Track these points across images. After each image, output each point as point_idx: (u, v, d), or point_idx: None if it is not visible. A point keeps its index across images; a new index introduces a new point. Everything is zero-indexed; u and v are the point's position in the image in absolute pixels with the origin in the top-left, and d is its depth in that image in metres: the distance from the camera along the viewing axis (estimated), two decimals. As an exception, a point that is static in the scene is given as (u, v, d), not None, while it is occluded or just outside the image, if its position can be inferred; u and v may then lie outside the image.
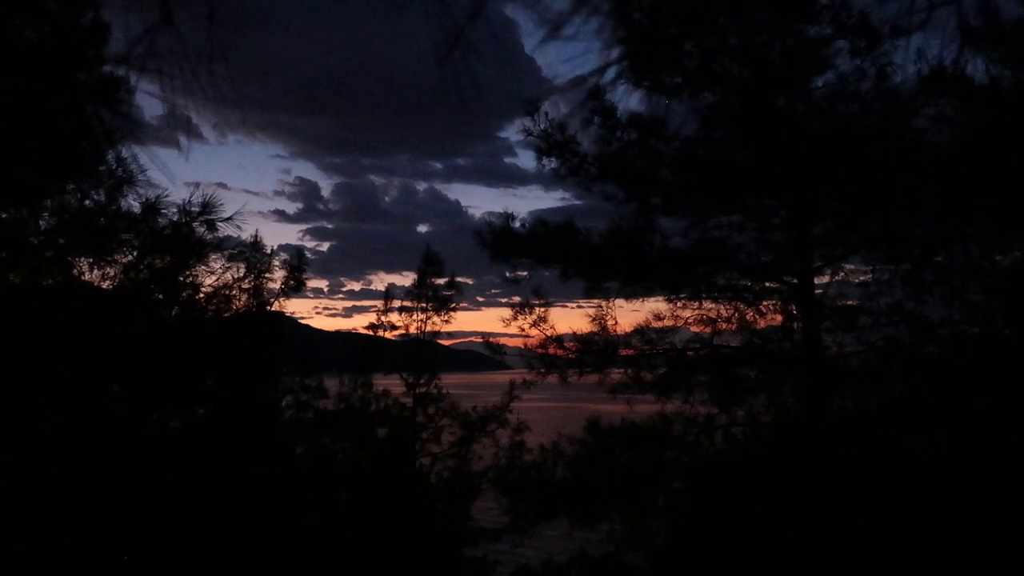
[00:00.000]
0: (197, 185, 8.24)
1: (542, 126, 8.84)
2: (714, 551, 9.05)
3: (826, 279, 9.20)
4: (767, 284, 9.29)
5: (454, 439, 11.53)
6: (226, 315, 9.67)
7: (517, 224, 9.25)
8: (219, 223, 8.23)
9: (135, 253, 8.79)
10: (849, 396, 8.98)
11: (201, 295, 8.71)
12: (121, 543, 7.67)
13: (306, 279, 10.15)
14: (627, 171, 9.04)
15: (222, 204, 8.35)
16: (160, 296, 9.31)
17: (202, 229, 8.86)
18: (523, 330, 9.75)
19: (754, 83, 8.34)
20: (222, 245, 9.12)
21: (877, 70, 8.09)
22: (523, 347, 9.95)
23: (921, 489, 7.90)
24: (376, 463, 10.35)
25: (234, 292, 9.45)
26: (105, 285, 8.89)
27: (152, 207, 8.71)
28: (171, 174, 8.65)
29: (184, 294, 9.13)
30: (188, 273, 9.14)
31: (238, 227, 9.08)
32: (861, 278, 9.24)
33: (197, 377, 9.32)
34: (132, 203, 8.54)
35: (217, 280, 8.87)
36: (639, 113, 8.78)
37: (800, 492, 8.77)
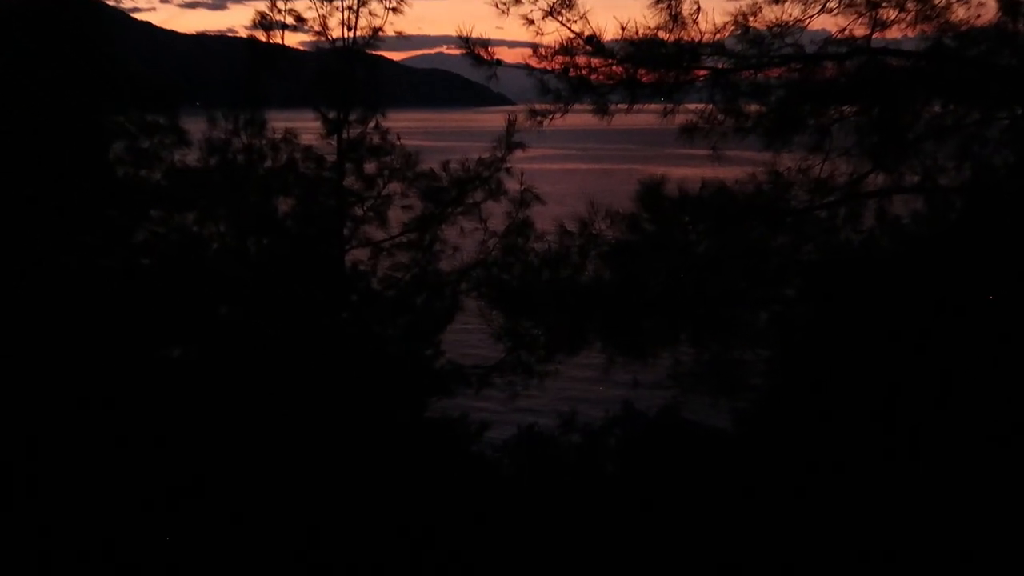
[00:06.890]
0: None
1: None
2: (845, 401, 5.40)
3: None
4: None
5: (411, 218, 7.08)
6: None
7: None
8: None
9: None
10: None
11: None
12: None
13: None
14: None
15: None
16: None
17: None
18: (531, 24, 5.58)
19: None
20: None
21: None
22: (531, 61, 5.80)
23: None
24: (276, 257, 6.27)
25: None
26: None
27: None
28: None
29: None
30: None
31: None
32: None
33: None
34: None
35: None
36: None
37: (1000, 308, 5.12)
